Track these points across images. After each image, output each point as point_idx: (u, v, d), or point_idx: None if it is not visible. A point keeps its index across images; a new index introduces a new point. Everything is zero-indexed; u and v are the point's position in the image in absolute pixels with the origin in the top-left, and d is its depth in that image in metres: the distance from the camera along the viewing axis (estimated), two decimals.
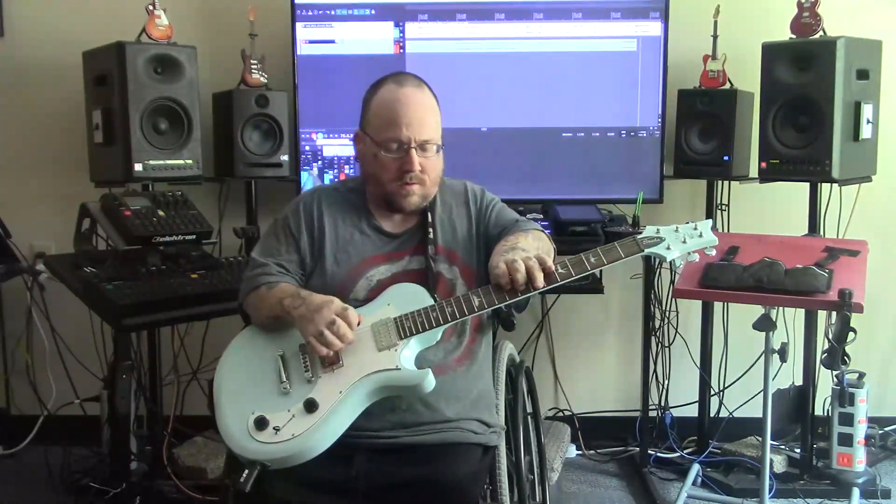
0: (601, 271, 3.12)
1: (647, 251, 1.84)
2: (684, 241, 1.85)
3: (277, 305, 1.86)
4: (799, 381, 3.18)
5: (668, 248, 1.84)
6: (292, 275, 1.98)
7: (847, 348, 2.42)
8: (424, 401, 1.85)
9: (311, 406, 1.75)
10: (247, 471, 1.70)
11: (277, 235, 2.03)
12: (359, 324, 1.80)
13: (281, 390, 1.80)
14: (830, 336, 2.42)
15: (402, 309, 1.84)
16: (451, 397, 1.90)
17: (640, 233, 1.86)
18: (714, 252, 1.89)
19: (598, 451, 3.53)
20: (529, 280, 1.76)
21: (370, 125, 1.99)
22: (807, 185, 3.09)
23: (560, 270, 1.81)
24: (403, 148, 1.93)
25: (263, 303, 1.91)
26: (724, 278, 2.50)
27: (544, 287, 1.78)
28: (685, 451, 3.42)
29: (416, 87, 1.98)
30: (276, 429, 1.74)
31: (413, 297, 1.87)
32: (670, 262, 1.86)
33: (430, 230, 2.00)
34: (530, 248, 1.87)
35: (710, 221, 1.88)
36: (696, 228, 1.86)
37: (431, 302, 1.85)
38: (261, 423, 1.75)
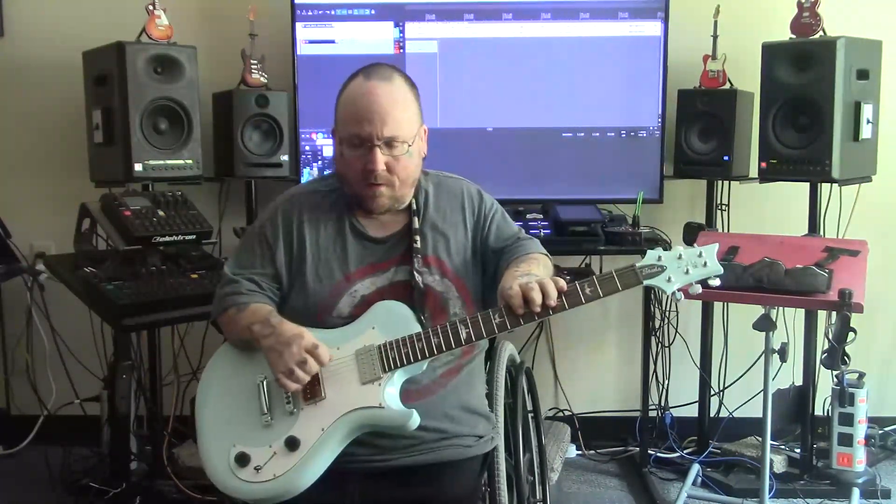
0: (601, 271, 3.16)
1: (646, 283, 1.71)
2: (687, 272, 1.71)
3: (247, 330, 1.78)
4: (799, 381, 3.18)
5: (669, 280, 1.70)
6: (264, 291, 1.86)
7: (847, 348, 2.43)
8: None
9: (292, 444, 1.70)
10: None
11: (252, 247, 1.90)
12: (331, 360, 1.73)
13: (263, 423, 1.74)
14: (830, 336, 2.42)
15: (386, 333, 1.74)
16: (441, 416, 1.83)
17: (642, 258, 1.72)
18: (718, 282, 1.75)
19: (598, 451, 3.53)
20: (544, 298, 1.65)
21: (337, 121, 1.86)
22: (807, 185, 3.09)
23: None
24: (366, 145, 1.78)
25: (233, 326, 1.83)
26: (723, 278, 2.49)
27: (551, 312, 1.68)
28: (685, 451, 3.42)
29: (383, 80, 1.81)
30: (258, 468, 1.70)
31: (399, 319, 1.76)
32: (672, 294, 1.73)
33: (417, 238, 1.86)
34: (542, 276, 1.76)
35: (715, 246, 1.74)
36: (700, 255, 1.71)
37: (418, 328, 1.74)
38: (242, 460, 1.71)
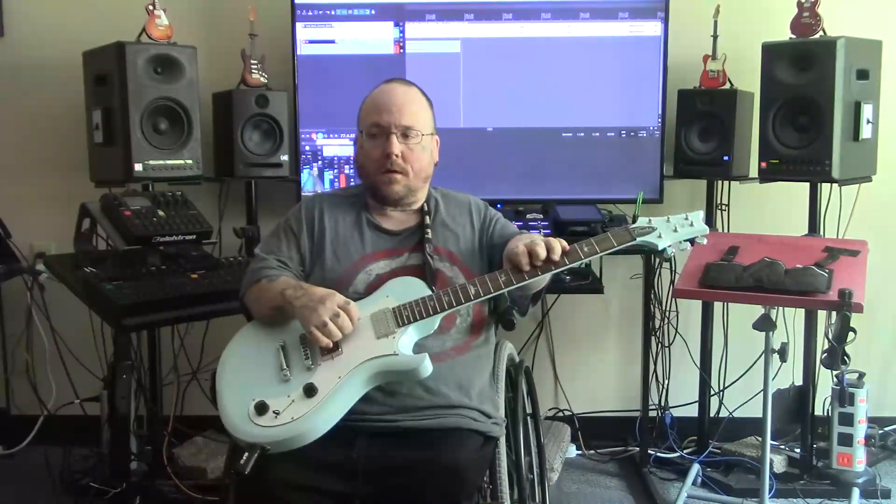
0: (601, 271, 3.17)
1: (638, 240, 1.88)
2: (675, 231, 1.90)
3: (279, 296, 1.89)
4: (799, 381, 3.18)
5: (660, 237, 1.89)
6: (292, 270, 2.02)
7: (847, 348, 2.43)
8: (425, 385, 1.88)
9: (310, 391, 1.79)
10: (247, 454, 1.73)
11: (279, 235, 2.09)
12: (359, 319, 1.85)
13: (281, 378, 1.83)
14: (830, 336, 2.42)
15: (400, 300, 1.89)
16: (451, 383, 1.92)
17: (633, 223, 1.91)
18: (705, 241, 1.93)
19: (598, 451, 3.53)
20: (548, 253, 1.81)
21: (359, 120, 2.09)
22: (807, 185, 3.09)
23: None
24: (384, 134, 2.00)
25: (265, 294, 1.94)
26: (724, 278, 2.50)
27: (553, 267, 1.84)
28: (685, 451, 3.42)
29: (402, 84, 2.09)
30: (276, 413, 1.77)
31: (412, 289, 1.91)
32: (662, 251, 1.90)
33: (429, 231, 2.04)
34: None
35: (700, 212, 1.92)
36: (686, 218, 1.91)
37: (429, 292, 1.89)
38: (261, 409, 1.78)
